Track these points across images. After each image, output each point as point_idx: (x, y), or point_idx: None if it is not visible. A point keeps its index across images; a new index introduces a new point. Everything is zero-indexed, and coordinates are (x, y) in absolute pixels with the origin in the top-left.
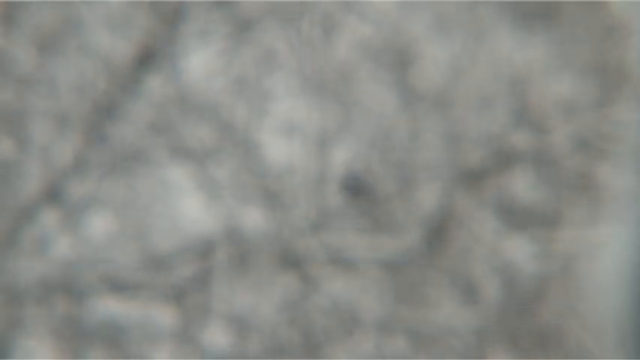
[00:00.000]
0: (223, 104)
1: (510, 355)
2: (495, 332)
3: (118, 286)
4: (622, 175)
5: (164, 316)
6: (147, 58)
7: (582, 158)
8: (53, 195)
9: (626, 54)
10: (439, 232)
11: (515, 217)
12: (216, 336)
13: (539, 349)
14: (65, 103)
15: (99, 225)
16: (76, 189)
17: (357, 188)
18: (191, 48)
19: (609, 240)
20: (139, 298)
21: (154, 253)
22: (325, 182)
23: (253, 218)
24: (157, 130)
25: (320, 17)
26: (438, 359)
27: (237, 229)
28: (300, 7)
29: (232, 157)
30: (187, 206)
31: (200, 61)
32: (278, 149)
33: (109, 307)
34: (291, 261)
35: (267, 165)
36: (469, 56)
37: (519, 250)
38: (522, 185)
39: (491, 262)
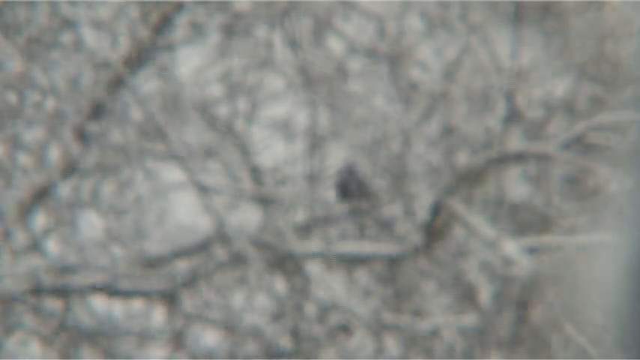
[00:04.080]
0: (216, 104)
1: (507, 355)
2: (491, 332)
3: (110, 287)
4: (621, 175)
5: (156, 316)
6: (138, 60)
7: (580, 159)
8: (45, 196)
9: (626, 54)
10: (434, 232)
11: (512, 218)
12: (209, 336)
13: (535, 349)
14: (57, 104)
15: (91, 226)
16: (68, 191)
17: (351, 189)
18: (184, 49)
19: (608, 241)
20: (131, 299)
21: (147, 254)
22: (319, 183)
23: (247, 219)
24: (150, 131)
25: (314, 16)
26: (434, 359)
27: (231, 230)
28: (294, 6)
29: (225, 157)
30: (180, 207)
31: (193, 63)
32: (272, 149)
33: (101, 307)
34: (284, 261)
35: (260, 165)
36: (466, 57)
37: (515, 251)
38: (519, 186)
39: (487, 263)
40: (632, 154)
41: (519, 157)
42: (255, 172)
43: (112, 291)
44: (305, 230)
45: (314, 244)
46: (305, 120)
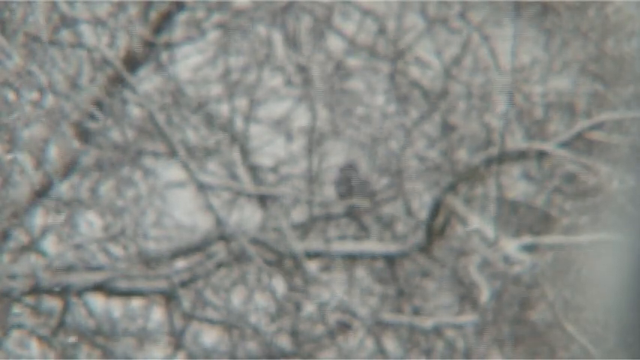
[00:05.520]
0: (215, 103)
1: (507, 355)
2: (492, 330)
3: (109, 286)
4: (622, 174)
5: (155, 315)
6: (137, 60)
7: (581, 157)
8: (45, 196)
9: (626, 53)
10: (434, 231)
11: (512, 217)
12: (208, 335)
13: (536, 348)
14: (56, 104)
15: (90, 225)
16: (67, 190)
17: (351, 187)
18: (183, 50)
19: (609, 239)
20: (130, 299)
21: (146, 253)
22: (319, 182)
23: (246, 218)
24: (149, 130)
25: (314, 14)
26: (433, 359)
27: (230, 230)
28: (294, 4)
29: (224, 156)
30: (179, 206)
31: (192, 61)
32: (271, 148)
33: (99, 306)
34: (284, 260)
35: (260, 164)
36: (465, 56)
37: (515, 250)
38: (519, 184)
39: (487, 262)
40: (634, 153)
41: (520, 156)
42: (255, 171)
43: (110, 290)
44: (305, 229)
45: (314, 243)
46: (305, 118)
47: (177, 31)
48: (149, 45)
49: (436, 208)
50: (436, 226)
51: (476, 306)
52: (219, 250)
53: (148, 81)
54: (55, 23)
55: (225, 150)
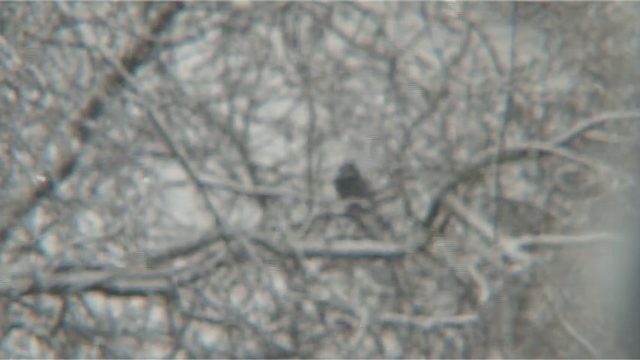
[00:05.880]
0: (215, 103)
1: (507, 354)
2: (491, 330)
3: (109, 286)
4: (622, 173)
5: (155, 315)
6: (137, 60)
7: (581, 157)
8: (44, 195)
9: (627, 53)
10: (432, 231)
11: (512, 216)
12: (207, 335)
13: (535, 347)
14: (56, 104)
15: (90, 225)
16: (67, 189)
17: (350, 186)
18: (182, 50)
19: (608, 239)
20: (129, 298)
21: (146, 253)
22: (319, 181)
23: (246, 218)
24: (148, 130)
25: (313, 14)
26: (433, 359)
27: (229, 229)
28: (294, 5)
29: (224, 156)
30: (179, 206)
31: (192, 61)
32: (271, 148)
33: (99, 306)
34: (284, 260)
35: (260, 163)
36: (465, 56)
37: (515, 250)
38: (519, 184)
39: (486, 261)
40: (634, 153)
41: (520, 156)
42: (255, 171)
43: (110, 290)
44: (303, 229)
45: (314, 243)
46: (304, 118)
47: (177, 31)
48: (149, 45)
49: (435, 207)
50: (435, 226)
51: (475, 306)
52: (219, 249)
53: (147, 81)
54: (55, 23)
55: (225, 150)
